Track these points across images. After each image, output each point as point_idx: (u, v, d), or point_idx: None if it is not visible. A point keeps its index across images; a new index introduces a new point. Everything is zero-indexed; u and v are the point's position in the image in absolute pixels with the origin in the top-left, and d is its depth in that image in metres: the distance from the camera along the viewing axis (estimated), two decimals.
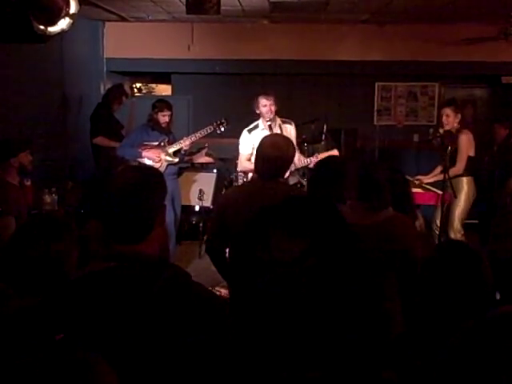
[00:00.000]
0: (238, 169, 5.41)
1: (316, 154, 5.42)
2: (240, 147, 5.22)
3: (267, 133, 5.05)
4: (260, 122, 5.16)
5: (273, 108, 5.03)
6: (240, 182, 5.55)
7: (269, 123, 5.07)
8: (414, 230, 2.80)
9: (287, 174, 4.71)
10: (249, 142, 5.11)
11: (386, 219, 2.70)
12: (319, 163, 3.34)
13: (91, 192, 5.61)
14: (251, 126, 5.20)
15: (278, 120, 5.18)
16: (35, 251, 1.92)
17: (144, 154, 5.56)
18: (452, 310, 1.89)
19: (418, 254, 2.62)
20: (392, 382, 2.03)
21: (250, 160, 5.09)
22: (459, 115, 5.20)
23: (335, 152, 5.42)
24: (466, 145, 5.20)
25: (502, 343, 0.85)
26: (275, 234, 2.20)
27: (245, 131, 5.20)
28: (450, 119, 5.16)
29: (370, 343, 1.88)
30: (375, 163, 3.29)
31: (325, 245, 2.20)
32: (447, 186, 4.86)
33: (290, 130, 5.19)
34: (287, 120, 5.27)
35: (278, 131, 5.00)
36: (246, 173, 5.28)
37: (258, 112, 5.12)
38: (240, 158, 5.23)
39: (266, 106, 5.01)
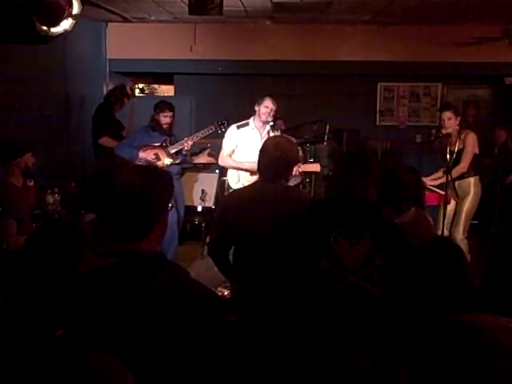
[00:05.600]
0: (219, 163, 5.22)
1: (299, 164, 5.38)
2: (224, 141, 5.05)
3: (256, 132, 4.98)
4: (251, 120, 5.00)
5: (272, 114, 4.91)
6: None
7: (271, 123, 4.97)
8: (433, 228, 2.84)
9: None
10: (234, 138, 4.98)
11: (412, 220, 2.72)
12: (344, 155, 2.87)
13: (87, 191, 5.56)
14: (241, 122, 5.03)
15: (268, 127, 5.02)
16: (54, 251, 2.25)
17: (141, 155, 5.43)
18: (433, 300, 1.91)
19: None
20: (368, 371, 2.07)
21: (230, 156, 5.00)
22: (459, 117, 5.26)
23: (317, 167, 5.42)
24: (473, 144, 5.25)
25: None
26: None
27: (233, 126, 5.05)
28: (452, 121, 5.21)
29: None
30: (400, 165, 3.24)
31: (388, 243, 2.26)
32: (450, 187, 4.87)
33: None
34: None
35: (266, 137, 4.74)
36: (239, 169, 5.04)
37: (256, 109, 4.96)
38: (222, 152, 5.06)
39: (267, 107, 4.88)
